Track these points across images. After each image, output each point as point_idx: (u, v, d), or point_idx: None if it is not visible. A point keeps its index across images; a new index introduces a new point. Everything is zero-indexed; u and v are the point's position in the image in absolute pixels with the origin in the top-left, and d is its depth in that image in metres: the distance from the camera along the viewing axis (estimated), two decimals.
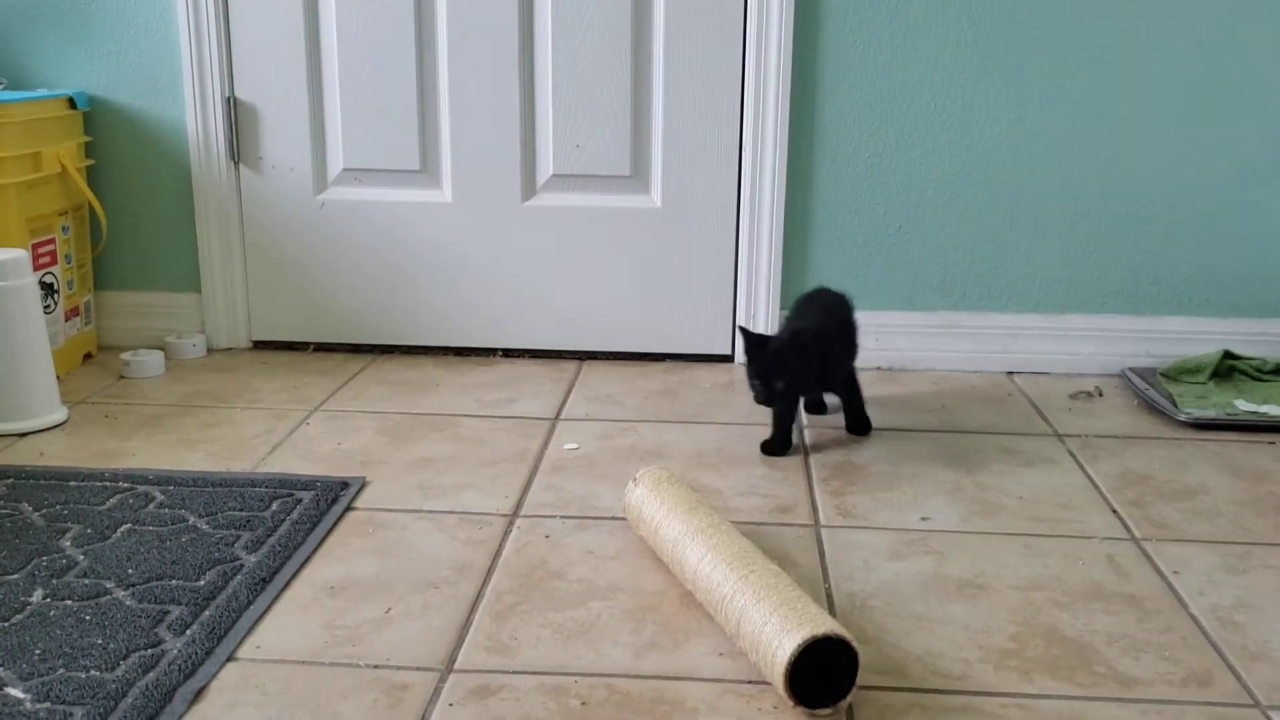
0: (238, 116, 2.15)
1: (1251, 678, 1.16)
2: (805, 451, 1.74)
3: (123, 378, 2.07)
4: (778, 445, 1.73)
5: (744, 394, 1.86)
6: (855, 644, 1.09)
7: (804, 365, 1.66)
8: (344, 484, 1.58)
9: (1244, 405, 1.90)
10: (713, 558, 1.24)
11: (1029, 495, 1.59)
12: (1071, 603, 1.30)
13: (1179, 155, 2.06)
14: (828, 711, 1.09)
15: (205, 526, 1.44)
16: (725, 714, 1.09)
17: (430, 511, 1.52)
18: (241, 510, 1.49)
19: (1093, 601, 1.31)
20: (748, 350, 1.68)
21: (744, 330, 1.70)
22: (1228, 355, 2.04)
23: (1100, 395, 2.02)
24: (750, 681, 1.14)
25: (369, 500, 1.55)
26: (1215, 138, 2.05)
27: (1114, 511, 1.54)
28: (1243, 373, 2.03)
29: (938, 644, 1.21)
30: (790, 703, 1.09)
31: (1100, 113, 2.05)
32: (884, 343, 2.15)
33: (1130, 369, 2.08)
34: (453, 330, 2.22)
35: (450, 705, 1.10)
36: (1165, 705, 1.11)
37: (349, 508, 1.52)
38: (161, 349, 2.16)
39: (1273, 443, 1.79)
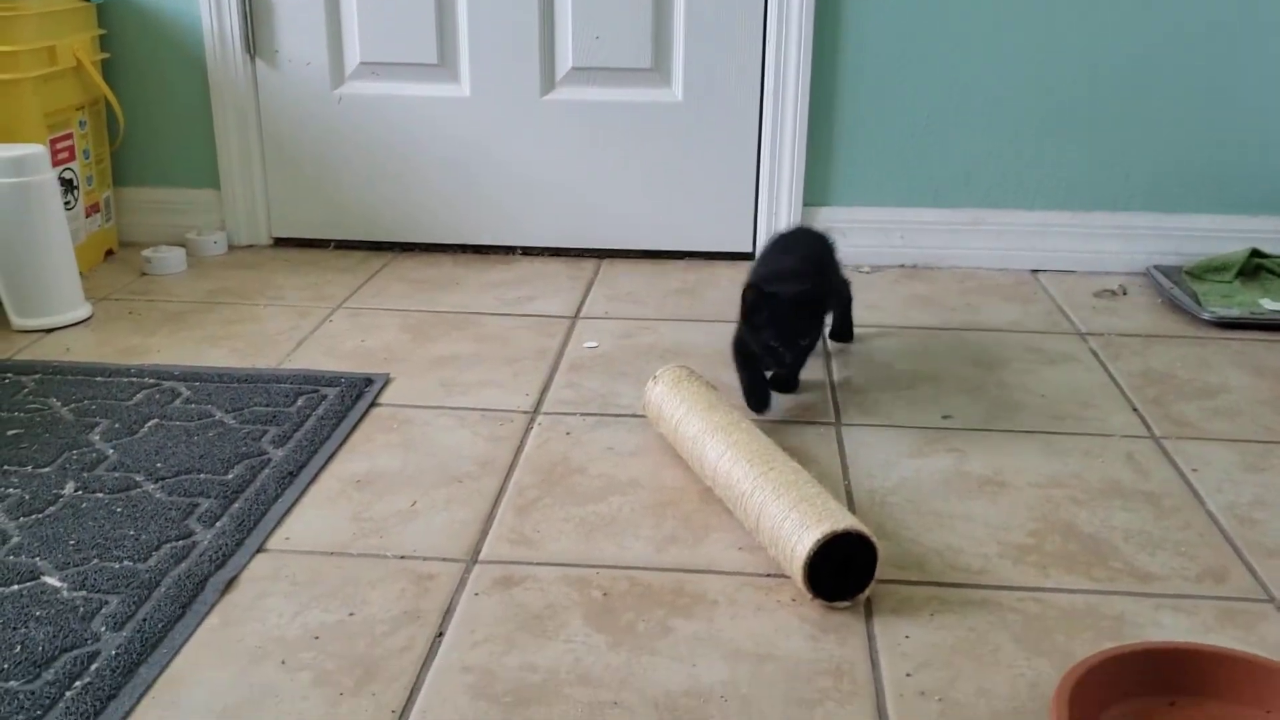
0: (253, 9, 2.11)
1: (1267, 574, 1.17)
2: (826, 351, 1.74)
3: (144, 274, 2.08)
4: (762, 398, 1.53)
5: None
6: (874, 539, 1.10)
7: (821, 316, 1.50)
8: (368, 380, 1.59)
9: (1269, 304, 1.88)
10: (732, 454, 1.25)
11: (1051, 393, 1.59)
12: (1090, 500, 1.31)
13: (1210, 52, 2.00)
14: (846, 604, 1.11)
15: (232, 421, 1.46)
16: (744, 605, 1.11)
17: (453, 408, 1.53)
18: (267, 406, 1.50)
19: (1111, 499, 1.31)
20: (768, 309, 1.42)
21: (759, 289, 1.43)
22: (1255, 254, 2.02)
23: (1124, 294, 2.00)
24: (769, 575, 1.16)
25: (393, 396, 1.56)
26: (1249, 34, 1.99)
27: (1134, 410, 1.54)
28: (1270, 271, 2.00)
29: (957, 539, 1.23)
30: (809, 595, 1.11)
31: (1132, 8, 1.99)
32: (909, 240, 2.13)
33: (1155, 267, 2.06)
34: (471, 228, 2.21)
35: (476, 595, 1.12)
36: (1180, 599, 1.13)
37: (373, 404, 1.53)
38: (183, 245, 2.16)
39: None
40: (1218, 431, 1.48)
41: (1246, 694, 0.96)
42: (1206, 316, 1.84)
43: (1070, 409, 1.54)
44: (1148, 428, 1.49)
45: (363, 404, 1.52)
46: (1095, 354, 1.74)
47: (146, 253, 2.09)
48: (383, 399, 1.55)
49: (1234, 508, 1.30)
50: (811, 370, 1.65)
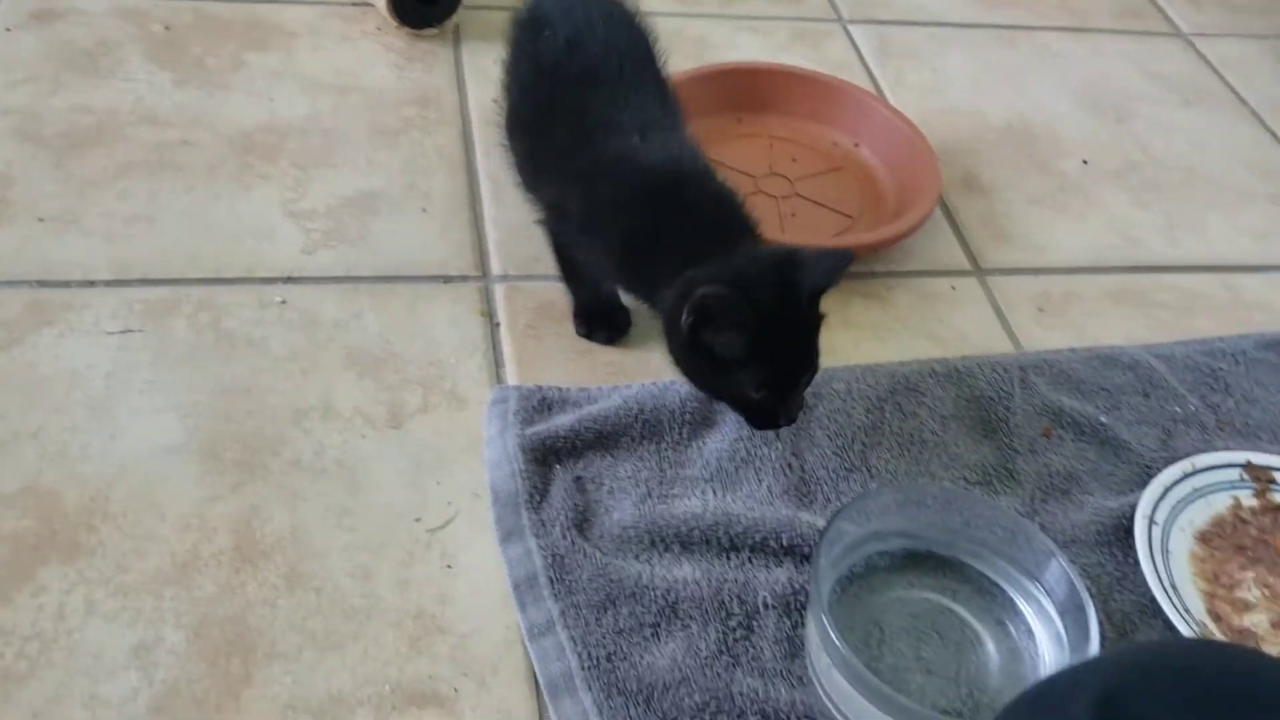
0: None
1: None
2: None
3: None
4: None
5: None
6: None
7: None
8: None
9: None
10: None
11: None
12: None
13: None
14: (434, 31, 1.07)
15: None
16: (326, 36, 1.05)
17: None
18: None
19: None
20: (745, 319, 0.67)
21: (729, 290, 0.65)
22: None
23: None
24: (353, 4, 1.09)
25: None
26: None
27: None
28: None
29: None
30: (394, 24, 1.05)
31: None
32: None
33: None
34: None
35: (8, 30, 0.98)
36: (758, 21, 1.17)
37: None
38: None
39: None
40: None
41: (802, 107, 1.04)
42: None
43: None
44: None
45: None
46: None
47: None
48: None
49: None
50: None
